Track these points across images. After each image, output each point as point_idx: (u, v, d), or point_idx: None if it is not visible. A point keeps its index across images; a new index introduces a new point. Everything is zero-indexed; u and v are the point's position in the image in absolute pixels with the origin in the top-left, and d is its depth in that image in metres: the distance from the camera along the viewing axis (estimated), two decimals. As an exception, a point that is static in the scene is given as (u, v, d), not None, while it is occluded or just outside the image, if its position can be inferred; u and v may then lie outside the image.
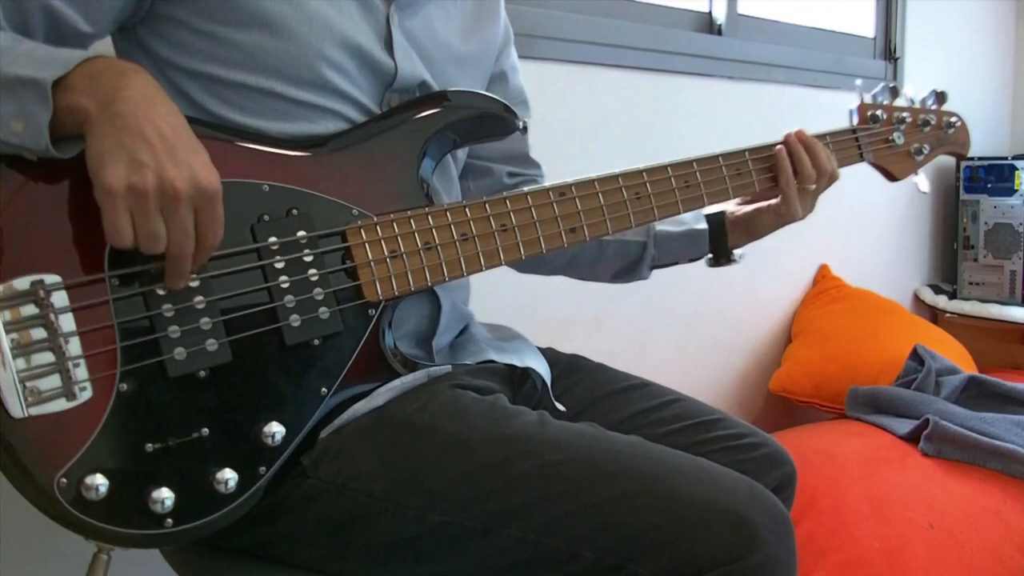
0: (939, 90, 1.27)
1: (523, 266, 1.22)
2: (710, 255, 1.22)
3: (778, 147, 1.13)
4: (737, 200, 1.19)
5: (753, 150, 1.12)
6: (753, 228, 1.19)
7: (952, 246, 2.77)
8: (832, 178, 1.16)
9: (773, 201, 1.16)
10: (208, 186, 0.72)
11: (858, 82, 1.24)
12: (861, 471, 1.72)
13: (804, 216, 1.16)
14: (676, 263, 1.24)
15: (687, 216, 1.18)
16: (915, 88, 1.27)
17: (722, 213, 1.20)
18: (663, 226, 1.20)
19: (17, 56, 0.72)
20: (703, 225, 1.20)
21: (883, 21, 2.67)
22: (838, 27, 2.55)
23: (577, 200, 0.97)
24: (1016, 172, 2.60)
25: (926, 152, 1.26)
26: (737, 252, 1.21)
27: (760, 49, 2.23)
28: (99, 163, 0.70)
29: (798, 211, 1.15)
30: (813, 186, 1.14)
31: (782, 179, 1.13)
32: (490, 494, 0.80)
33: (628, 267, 1.23)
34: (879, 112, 1.22)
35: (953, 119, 1.28)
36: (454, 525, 0.80)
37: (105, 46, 0.91)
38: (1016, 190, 2.61)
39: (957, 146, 1.30)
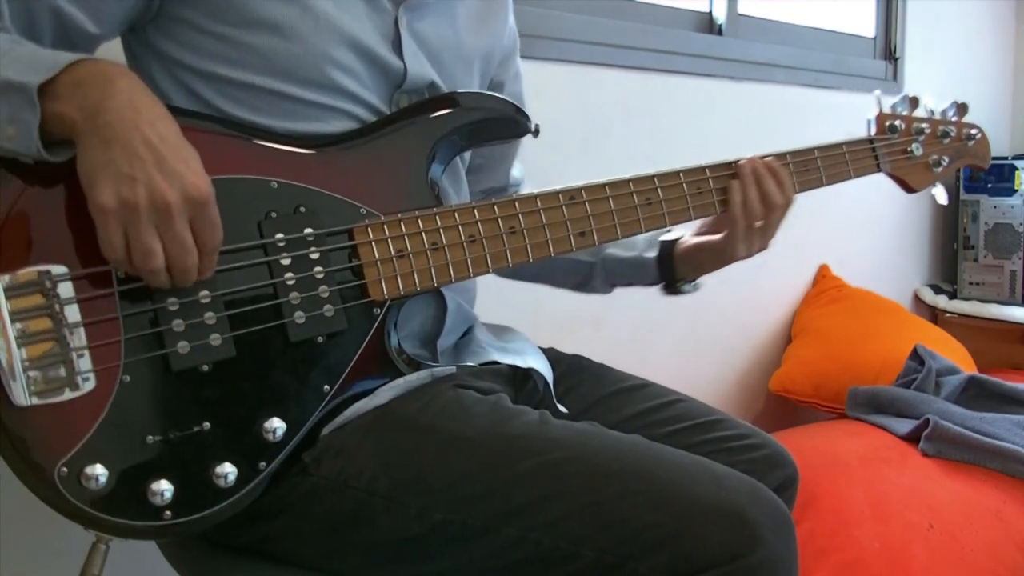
0: (960, 101, 1.24)
1: (504, 272, 1.19)
2: (663, 283, 1.16)
3: (732, 181, 1.05)
4: (694, 229, 1.13)
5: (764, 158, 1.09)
6: (697, 264, 1.12)
7: (952, 246, 2.77)
8: (786, 208, 1.07)
9: (715, 237, 1.08)
10: (198, 194, 0.72)
11: (877, 92, 1.20)
12: (861, 471, 1.72)
13: (748, 255, 1.07)
14: (632, 284, 1.20)
15: (641, 240, 1.15)
16: (935, 99, 1.24)
17: (673, 242, 1.14)
18: (613, 249, 1.17)
19: (10, 60, 0.72)
20: (652, 254, 1.14)
21: (883, 21, 2.67)
22: (838, 27, 2.55)
23: (587, 204, 0.97)
24: (1016, 172, 2.60)
25: (945, 164, 1.23)
26: (688, 285, 1.15)
27: (760, 49, 2.23)
28: (90, 180, 0.70)
29: (739, 251, 1.05)
30: (760, 223, 1.05)
31: (730, 215, 1.04)
32: (491, 493, 0.80)
33: (582, 283, 1.22)
34: (898, 122, 1.19)
35: (974, 131, 1.25)
36: (456, 524, 0.80)
37: (114, 46, 0.92)
38: (1016, 190, 2.61)
39: (977, 159, 1.27)
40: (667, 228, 1.11)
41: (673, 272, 1.13)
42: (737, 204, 1.04)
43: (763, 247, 1.08)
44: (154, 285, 0.74)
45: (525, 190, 0.96)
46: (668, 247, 1.14)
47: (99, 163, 0.70)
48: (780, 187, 1.05)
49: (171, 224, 0.71)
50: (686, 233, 1.13)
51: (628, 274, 1.17)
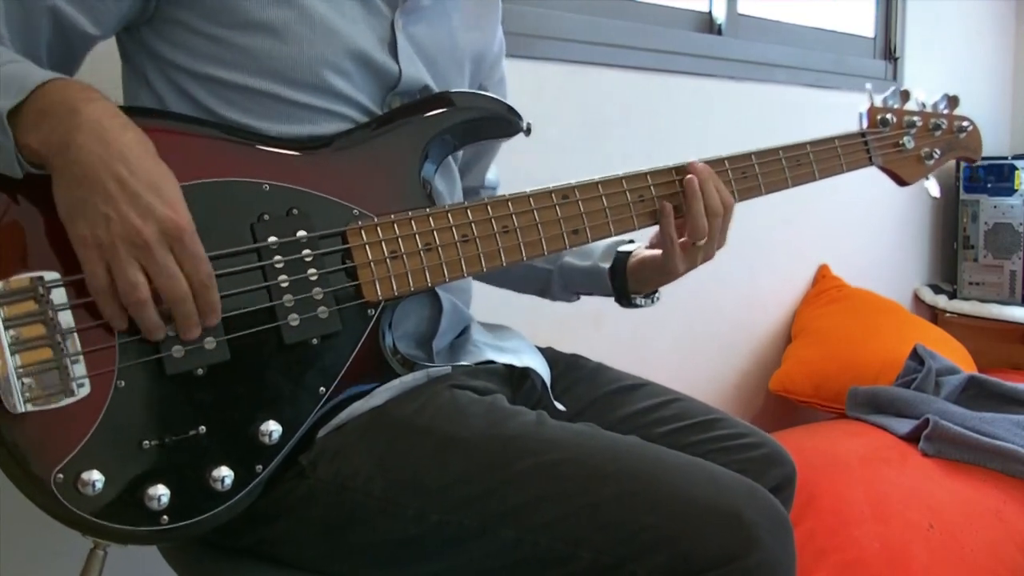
0: (951, 94, 1.25)
1: (478, 276, 1.16)
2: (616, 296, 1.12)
3: (662, 203, 1.00)
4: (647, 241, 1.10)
5: (759, 153, 1.08)
6: (643, 279, 1.09)
7: (952, 246, 2.77)
8: (727, 214, 1.02)
9: (657, 253, 1.05)
10: (173, 226, 0.72)
11: (868, 85, 1.21)
12: (861, 471, 1.72)
13: (690, 269, 1.03)
14: (592, 294, 1.17)
15: (599, 248, 1.13)
16: (926, 92, 1.24)
17: (628, 254, 1.10)
18: (570, 257, 1.15)
19: None
20: (607, 264, 1.11)
21: (883, 21, 2.67)
22: (838, 27, 2.55)
23: (580, 203, 0.97)
24: (1016, 172, 2.60)
25: (936, 156, 1.23)
26: (643, 299, 1.11)
27: (760, 49, 2.23)
28: (67, 217, 0.71)
29: (678, 268, 1.02)
30: (703, 240, 1.01)
31: (664, 234, 1.01)
32: (488, 494, 0.80)
33: (543, 289, 1.21)
34: (889, 116, 1.19)
35: (965, 123, 1.25)
36: (452, 525, 0.80)
37: (110, 46, 0.92)
38: (1016, 190, 2.60)
39: (968, 151, 1.27)
40: (630, 239, 1.10)
41: (625, 284, 1.10)
42: (671, 227, 1.00)
43: (708, 257, 1.04)
44: (148, 325, 0.73)
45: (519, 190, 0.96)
46: (623, 258, 1.10)
47: (73, 201, 0.70)
48: (719, 193, 1.01)
49: (152, 258, 0.71)
50: (642, 245, 1.10)
51: (585, 283, 1.15)
